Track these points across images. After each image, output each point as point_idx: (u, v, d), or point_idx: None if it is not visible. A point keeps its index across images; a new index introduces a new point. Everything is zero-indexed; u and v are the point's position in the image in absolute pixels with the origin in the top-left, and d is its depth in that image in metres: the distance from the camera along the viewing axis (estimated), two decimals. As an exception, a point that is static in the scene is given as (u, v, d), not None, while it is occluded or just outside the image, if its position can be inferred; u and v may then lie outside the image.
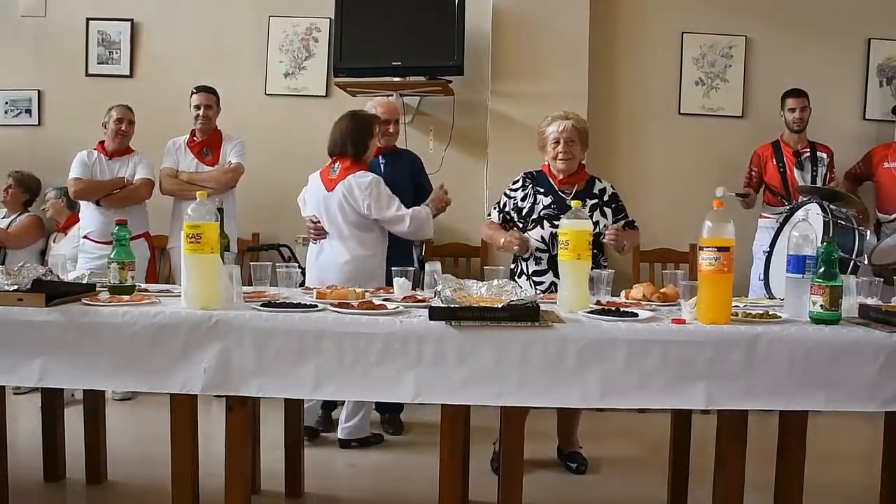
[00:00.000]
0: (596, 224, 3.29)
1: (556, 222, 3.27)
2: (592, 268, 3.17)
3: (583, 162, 3.47)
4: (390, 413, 4.08)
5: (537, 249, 3.38)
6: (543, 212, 3.36)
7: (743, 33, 5.37)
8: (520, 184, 3.48)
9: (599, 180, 3.47)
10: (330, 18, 5.23)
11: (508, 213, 3.48)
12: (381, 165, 3.97)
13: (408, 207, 3.63)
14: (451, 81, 4.99)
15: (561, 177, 3.41)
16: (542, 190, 3.42)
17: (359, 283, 3.04)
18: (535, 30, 5.02)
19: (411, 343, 2.25)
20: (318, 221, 3.65)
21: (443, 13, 4.90)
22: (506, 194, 3.51)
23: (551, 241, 3.30)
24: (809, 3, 5.33)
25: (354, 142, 3.62)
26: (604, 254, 3.45)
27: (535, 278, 3.38)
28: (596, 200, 3.39)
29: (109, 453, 3.25)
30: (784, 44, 5.35)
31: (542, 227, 3.35)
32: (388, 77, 4.97)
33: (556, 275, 3.24)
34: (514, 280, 3.45)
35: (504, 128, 5.00)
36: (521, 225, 3.43)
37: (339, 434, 3.74)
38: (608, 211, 3.40)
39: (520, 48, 5.03)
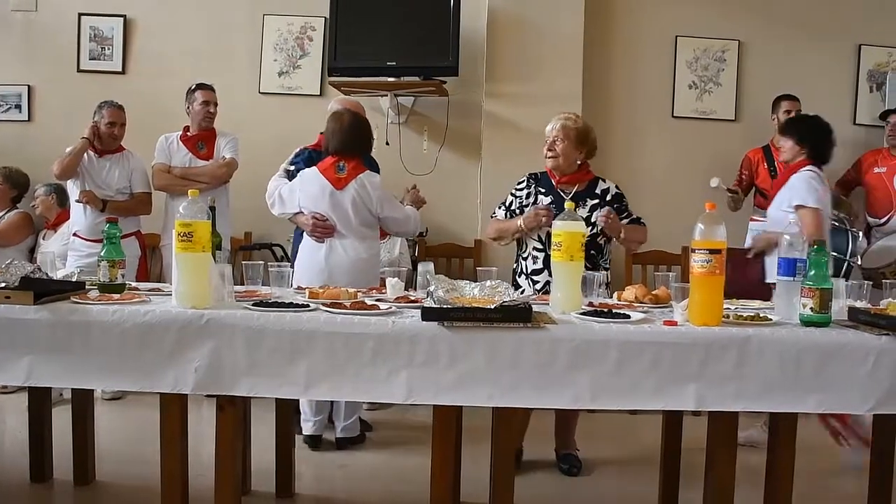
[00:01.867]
0: (594, 225, 3.29)
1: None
2: (589, 269, 3.21)
3: (579, 161, 3.43)
4: None
5: (535, 248, 3.39)
6: None
7: (736, 37, 5.39)
8: (524, 183, 3.50)
9: (604, 181, 3.47)
10: (325, 17, 5.23)
11: (514, 211, 3.48)
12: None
13: None
14: (445, 82, 4.99)
15: (558, 176, 3.42)
16: (543, 190, 3.44)
17: (368, 282, 3.05)
18: (530, 31, 5.03)
19: (403, 343, 2.24)
20: (326, 219, 3.58)
21: (438, 14, 4.90)
22: (512, 193, 3.52)
23: (548, 241, 3.29)
24: (801, 9, 5.36)
25: (362, 141, 3.66)
26: (604, 255, 3.44)
27: (533, 277, 3.39)
28: (597, 201, 3.39)
29: (98, 453, 3.23)
30: (776, 48, 5.37)
31: (541, 227, 3.35)
32: (382, 77, 4.97)
33: (551, 273, 3.26)
34: (515, 279, 3.47)
35: (498, 129, 5.01)
36: None
37: (339, 433, 3.72)
38: (614, 209, 3.37)
39: (515, 49, 5.04)
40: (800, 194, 3.55)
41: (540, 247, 3.37)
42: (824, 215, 3.59)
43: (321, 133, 3.98)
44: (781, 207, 3.65)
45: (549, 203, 3.37)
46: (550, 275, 3.22)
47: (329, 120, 3.73)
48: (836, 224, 3.47)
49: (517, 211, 3.47)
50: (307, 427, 3.65)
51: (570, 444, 3.57)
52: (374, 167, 3.85)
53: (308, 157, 3.87)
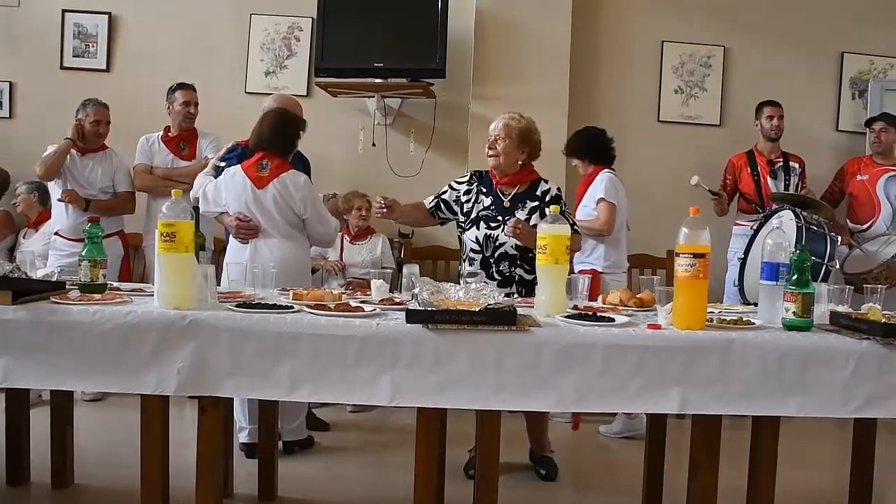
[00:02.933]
0: (534, 227, 3.21)
1: (492, 224, 3.26)
2: (527, 271, 3.17)
3: (521, 162, 3.34)
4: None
5: (471, 250, 3.33)
6: (482, 212, 3.31)
7: (721, 43, 5.43)
8: (466, 179, 3.44)
9: (545, 182, 3.38)
10: (312, 18, 5.22)
11: (446, 201, 3.42)
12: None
13: None
14: (432, 84, 4.99)
15: (497, 176, 3.35)
16: (484, 190, 3.37)
17: (297, 283, 3.00)
18: (517, 34, 5.04)
19: (388, 346, 2.24)
20: (250, 220, 3.51)
21: (426, 15, 4.90)
22: (450, 185, 3.45)
23: (485, 243, 3.27)
24: (786, 17, 5.41)
25: (284, 139, 3.57)
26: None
27: (467, 279, 3.22)
28: (536, 203, 3.31)
29: (77, 456, 3.19)
30: (761, 55, 5.41)
31: (478, 228, 3.30)
32: (369, 78, 4.96)
33: (489, 276, 3.25)
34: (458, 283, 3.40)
35: (485, 131, 4.88)
36: (462, 221, 3.39)
37: (285, 437, 3.61)
38: (527, 224, 3.24)
39: (502, 52, 5.04)
40: (601, 191, 4.09)
41: (476, 248, 3.31)
42: (619, 210, 4.12)
43: None
44: (588, 206, 4.14)
45: (489, 204, 3.31)
46: (488, 277, 3.23)
47: (263, 116, 3.65)
48: (816, 228, 3.50)
49: (449, 203, 3.41)
50: (242, 435, 3.55)
51: (545, 445, 3.53)
52: (304, 166, 3.80)
53: (241, 154, 3.75)
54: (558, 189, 3.39)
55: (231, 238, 3.62)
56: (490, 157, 3.33)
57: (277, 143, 3.55)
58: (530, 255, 3.16)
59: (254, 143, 3.58)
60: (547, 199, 3.32)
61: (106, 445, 3.70)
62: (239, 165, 3.56)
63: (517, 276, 3.25)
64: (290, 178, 3.52)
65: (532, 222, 3.22)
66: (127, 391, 2.34)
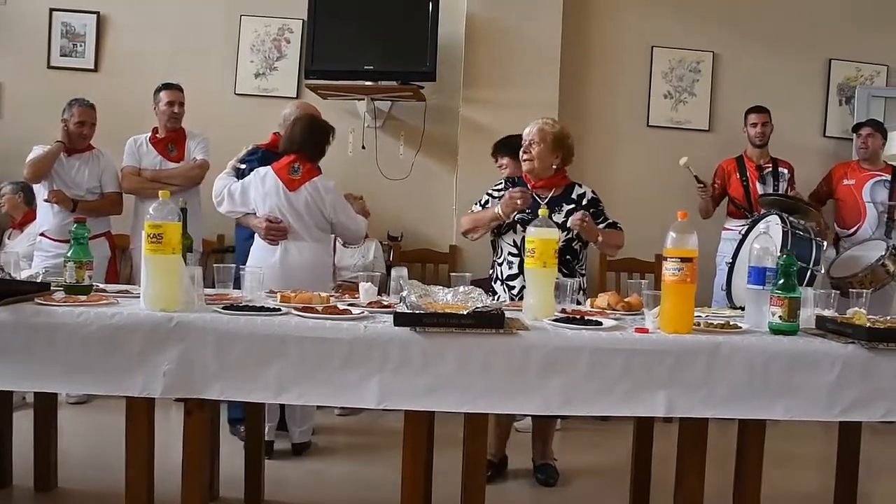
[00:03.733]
0: (570, 230, 3.28)
1: (528, 227, 3.27)
2: (566, 274, 3.21)
3: (555, 166, 3.39)
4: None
5: (510, 254, 3.38)
6: (517, 216, 3.34)
7: (710, 49, 5.46)
8: (502, 186, 3.48)
9: (580, 185, 3.45)
10: (303, 20, 5.21)
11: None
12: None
13: None
14: (422, 87, 4.99)
15: (532, 180, 3.40)
16: None
17: (322, 287, 3.03)
18: (508, 38, 5.05)
19: (376, 348, 2.23)
20: (280, 221, 3.54)
21: (416, 19, 4.90)
22: (489, 193, 3.50)
23: (522, 246, 3.28)
24: (774, 23, 5.45)
25: (317, 144, 3.62)
26: (580, 261, 3.42)
27: (508, 283, 3.37)
28: (573, 206, 3.36)
29: (61, 459, 3.16)
30: (750, 61, 5.45)
31: (515, 232, 3.34)
32: (359, 81, 4.96)
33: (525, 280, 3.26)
34: (492, 285, 3.45)
35: (475, 135, 5.02)
36: (498, 226, 3.40)
37: (296, 439, 3.67)
38: (590, 214, 3.33)
39: (492, 56, 5.06)
40: None
41: (515, 252, 3.36)
42: None
43: (274, 133, 3.95)
44: None
45: (527, 211, 3.34)
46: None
47: (295, 121, 3.69)
48: (802, 233, 3.52)
49: None
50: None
51: (548, 454, 3.56)
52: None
53: (262, 157, 3.80)
54: (593, 192, 3.45)
55: (257, 240, 3.62)
56: (525, 160, 3.38)
57: (310, 148, 3.60)
58: (567, 256, 3.26)
59: (285, 146, 3.62)
60: (584, 202, 3.38)
61: (90, 448, 3.68)
62: (269, 167, 3.59)
63: (556, 281, 3.26)
64: (322, 183, 3.58)
65: (569, 224, 3.29)
66: (112, 393, 2.32)
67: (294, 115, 3.90)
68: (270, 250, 3.55)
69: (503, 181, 3.52)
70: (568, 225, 3.29)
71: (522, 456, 3.59)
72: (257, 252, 3.59)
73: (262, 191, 3.56)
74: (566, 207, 3.36)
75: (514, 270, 3.36)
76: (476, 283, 2.70)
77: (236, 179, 3.69)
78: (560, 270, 3.24)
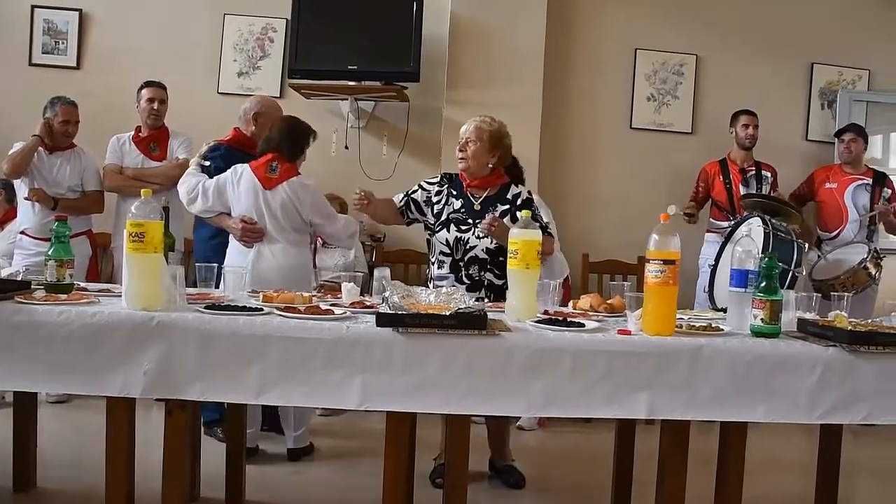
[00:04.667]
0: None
1: (462, 227, 3.24)
2: (497, 275, 3.17)
3: (491, 165, 3.29)
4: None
5: (441, 253, 3.28)
6: (452, 215, 3.27)
7: (694, 52, 5.49)
8: (437, 180, 3.39)
9: (516, 185, 3.36)
10: (286, 19, 5.19)
11: (416, 201, 3.35)
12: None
13: None
14: (406, 87, 4.98)
15: (467, 179, 3.31)
16: (454, 193, 3.32)
17: (298, 290, 2.97)
18: (491, 40, 5.05)
19: (358, 349, 2.22)
20: (255, 222, 3.45)
21: (400, 19, 4.89)
22: (420, 185, 3.40)
23: (456, 246, 3.24)
24: (758, 27, 5.48)
25: (296, 144, 3.52)
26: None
27: (436, 282, 3.25)
28: (507, 206, 3.27)
29: (40, 458, 3.12)
30: (733, 64, 5.48)
31: (449, 231, 3.26)
32: (343, 80, 4.95)
33: (458, 279, 3.22)
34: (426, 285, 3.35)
35: (458, 135, 5.00)
36: (431, 222, 3.34)
37: (290, 444, 3.63)
38: (503, 222, 3.17)
39: (476, 57, 5.06)
40: None
41: (447, 251, 3.25)
42: None
43: (235, 128, 3.89)
44: None
45: (459, 207, 3.27)
46: (457, 280, 3.21)
47: (275, 122, 3.63)
48: (784, 234, 3.55)
49: (418, 202, 3.34)
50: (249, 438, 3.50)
51: (506, 455, 3.50)
52: None
53: (225, 153, 3.70)
54: (529, 192, 3.38)
55: (232, 241, 3.53)
56: (460, 159, 3.29)
57: (288, 147, 3.50)
58: (500, 259, 3.15)
59: (263, 145, 3.53)
60: (518, 202, 3.28)
61: (70, 448, 3.64)
62: (246, 165, 3.49)
63: (486, 281, 3.22)
64: (300, 183, 3.47)
65: (477, 230, 3.20)
66: (92, 393, 2.30)
67: (254, 109, 3.86)
68: (244, 253, 3.45)
69: (440, 176, 3.42)
70: (477, 232, 3.21)
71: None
72: (232, 255, 3.48)
73: (239, 189, 3.46)
74: (501, 208, 3.26)
75: (445, 270, 3.25)
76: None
77: (206, 177, 3.57)
78: (492, 272, 3.21)
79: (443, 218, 3.30)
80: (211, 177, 3.57)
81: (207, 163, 3.66)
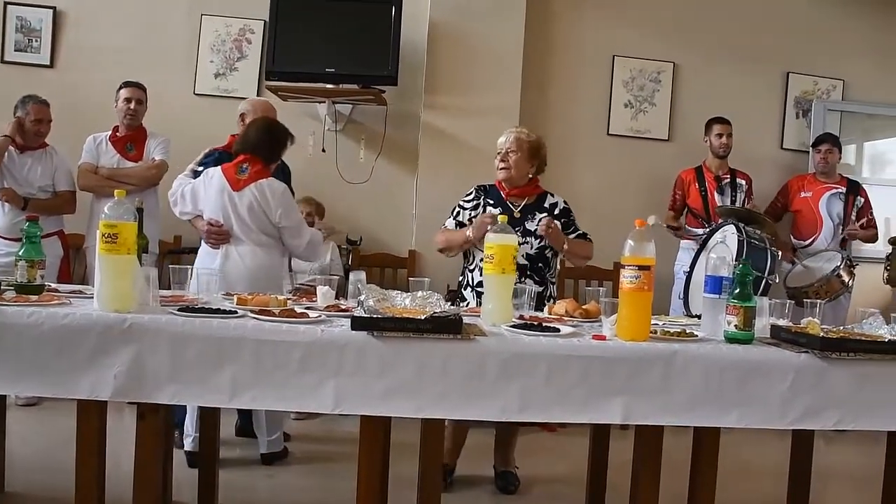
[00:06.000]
0: (542, 238, 3.30)
1: None
2: (537, 282, 3.22)
3: (531, 175, 3.44)
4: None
5: (482, 260, 3.34)
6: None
7: (671, 60, 5.54)
8: (472, 195, 3.49)
9: (552, 195, 3.48)
10: (264, 20, 5.16)
11: (462, 223, 3.45)
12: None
13: None
14: (384, 91, 4.97)
15: (507, 188, 3.42)
16: (492, 202, 3.43)
17: (268, 292, 2.95)
18: (470, 44, 5.06)
19: (332, 352, 2.20)
20: (221, 224, 3.44)
21: (379, 23, 4.88)
22: (459, 205, 3.50)
23: None
24: (734, 36, 5.55)
25: (271, 146, 3.52)
26: (551, 268, 3.43)
27: (478, 289, 3.33)
28: (545, 214, 3.37)
29: (9, 462, 3.08)
30: (709, 72, 5.54)
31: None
32: (320, 83, 4.93)
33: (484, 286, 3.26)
34: (461, 292, 3.46)
35: (435, 140, 5.02)
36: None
37: (264, 449, 3.60)
38: (558, 225, 3.37)
39: (454, 62, 5.06)
40: None
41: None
42: None
43: (232, 135, 3.89)
44: None
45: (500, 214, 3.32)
46: None
47: (250, 123, 3.63)
48: (757, 242, 3.59)
49: (466, 223, 3.43)
50: (188, 443, 3.49)
51: (509, 461, 3.55)
52: (285, 176, 3.76)
53: (218, 159, 3.71)
54: (565, 202, 3.48)
55: (202, 244, 3.55)
56: (501, 169, 3.40)
57: (263, 149, 3.49)
58: (539, 265, 3.31)
59: (238, 146, 3.52)
60: (556, 211, 3.41)
61: (40, 451, 3.58)
62: (219, 167, 3.50)
63: (528, 289, 3.25)
64: (269, 185, 3.45)
65: (540, 232, 3.30)
66: (61, 395, 2.26)
67: (241, 109, 3.87)
68: (212, 255, 3.46)
69: (473, 190, 3.50)
70: (534, 230, 3.31)
71: (477, 464, 3.58)
72: (201, 257, 3.51)
73: (208, 191, 3.47)
74: (539, 216, 3.37)
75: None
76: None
77: (192, 181, 3.61)
78: (532, 278, 3.29)
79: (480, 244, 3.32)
80: None
81: (200, 168, 3.68)
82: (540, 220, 3.34)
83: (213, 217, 3.48)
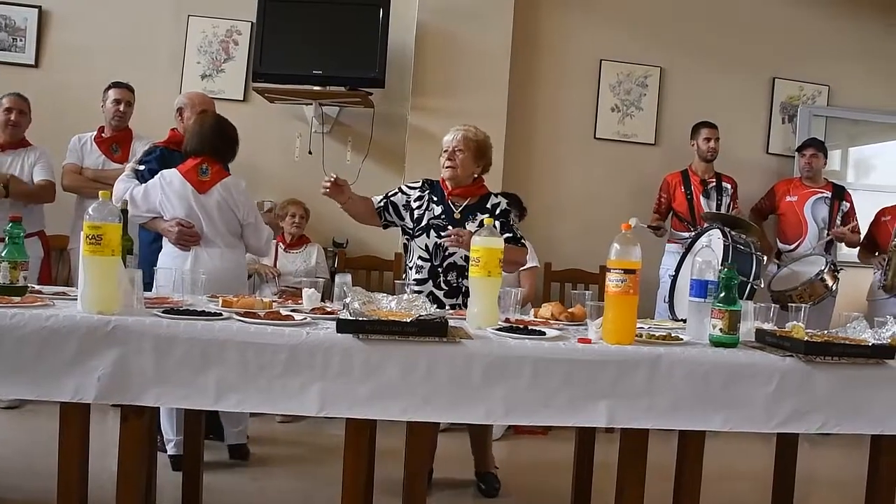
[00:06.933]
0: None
1: (442, 233, 3.25)
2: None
3: (476, 175, 3.36)
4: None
5: (419, 258, 3.30)
6: (433, 221, 3.29)
7: (658, 64, 5.57)
8: (418, 185, 3.41)
9: (496, 196, 3.41)
10: (251, 22, 5.14)
11: (395, 204, 3.36)
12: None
13: None
14: (371, 93, 4.97)
15: (450, 187, 3.34)
16: (435, 199, 3.34)
17: (235, 293, 2.93)
18: (457, 48, 5.07)
19: (317, 355, 2.20)
20: (192, 226, 3.41)
21: (367, 25, 4.88)
22: (401, 189, 3.42)
23: (434, 251, 3.26)
24: (721, 41, 5.58)
25: (228, 145, 3.53)
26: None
27: (414, 287, 3.24)
28: (487, 215, 3.25)
29: (-9, 464, 3.07)
30: (696, 77, 5.57)
31: (428, 236, 3.28)
32: (307, 85, 4.92)
33: (436, 285, 3.26)
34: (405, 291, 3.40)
35: (422, 143, 5.02)
36: (410, 227, 3.34)
37: (231, 441, 3.59)
38: (497, 225, 3.21)
39: (442, 65, 5.07)
40: None
41: (426, 256, 3.28)
42: None
43: (172, 129, 3.84)
44: None
45: (440, 213, 3.29)
46: (434, 286, 3.25)
47: (200, 120, 3.56)
48: (743, 247, 3.61)
49: (397, 206, 3.35)
50: (170, 447, 3.46)
51: (488, 462, 3.54)
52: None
53: (160, 156, 3.65)
54: (507, 203, 3.41)
55: (166, 245, 3.48)
56: (447, 167, 3.30)
57: (221, 149, 3.48)
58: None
59: (194, 147, 3.46)
60: (497, 212, 3.32)
61: (21, 455, 3.55)
62: (174, 170, 3.45)
63: (464, 287, 3.22)
64: (233, 183, 3.47)
65: (442, 242, 3.24)
66: (43, 398, 2.23)
67: (177, 104, 3.82)
68: (181, 257, 3.40)
69: (421, 181, 3.42)
70: (442, 242, 3.24)
71: (457, 467, 3.58)
72: (166, 258, 3.42)
73: (170, 194, 3.41)
74: (480, 217, 3.27)
75: (424, 275, 3.28)
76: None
77: (137, 182, 3.54)
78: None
79: (423, 223, 3.31)
80: (144, 181, 3.54)
81: (141, 167, 3.61)
82: (482, 223, 3.18)
83: (182, 219, 3.43)
